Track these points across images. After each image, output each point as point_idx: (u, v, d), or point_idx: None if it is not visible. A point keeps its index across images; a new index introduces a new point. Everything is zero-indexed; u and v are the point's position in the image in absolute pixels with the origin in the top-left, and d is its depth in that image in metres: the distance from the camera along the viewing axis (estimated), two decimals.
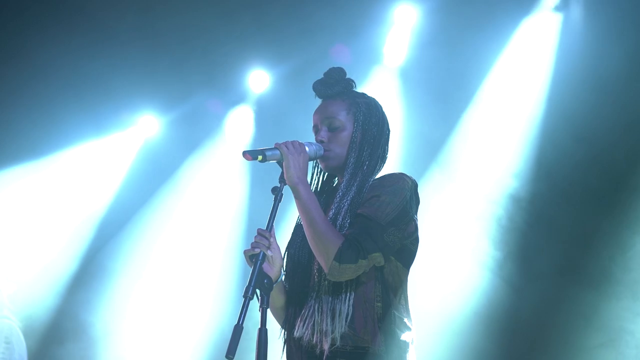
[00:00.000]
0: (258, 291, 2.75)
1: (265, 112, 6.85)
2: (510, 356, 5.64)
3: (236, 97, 6.97)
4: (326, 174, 3.22)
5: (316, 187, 3.20)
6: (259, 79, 6.81)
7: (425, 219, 5.75)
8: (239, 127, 6.96)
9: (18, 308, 5.38)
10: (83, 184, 6.99)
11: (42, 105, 6.52)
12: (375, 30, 6.50)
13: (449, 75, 6.12)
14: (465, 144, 6.11)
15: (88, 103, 6.57)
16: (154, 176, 7.06)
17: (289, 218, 3.03)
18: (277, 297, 3.07)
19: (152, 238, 7.07)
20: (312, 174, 3.21)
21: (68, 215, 6.93)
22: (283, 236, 3.25)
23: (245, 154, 2.89)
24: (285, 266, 3.10)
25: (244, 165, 6.64)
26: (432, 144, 6.19)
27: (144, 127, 7.10)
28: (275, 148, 2.95)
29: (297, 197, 2.91)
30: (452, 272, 5.91)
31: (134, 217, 7.09)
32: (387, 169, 3.16)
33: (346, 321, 2.85)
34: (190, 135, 6.98)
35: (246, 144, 6.71)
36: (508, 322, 5.64)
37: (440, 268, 5.91)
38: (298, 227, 3.12)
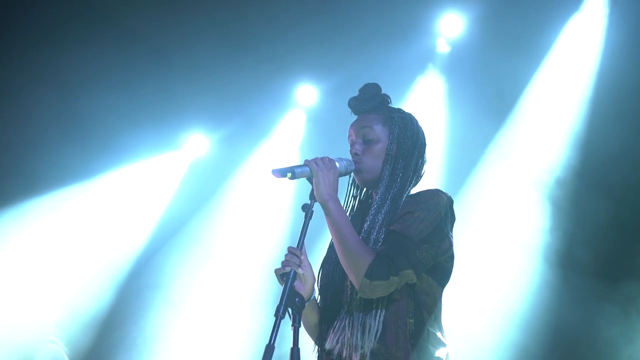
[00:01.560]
0: (290, 310, 2.81)
1: (314, 127, 6.97)
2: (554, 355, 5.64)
3: (284, 113, 7.12)
4: (362, 189, 3.26)
5: (351, 202, 3.24)
6: (307, 94, 6.97)
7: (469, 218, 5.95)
8: (287, 142, 7.12)
9: (64, 332, 5.53)
10: (133, 202, 7.19)
11: (94, 126, 6.71)
12: (421, 41, 6.56)
13: (495, 79, 6.22)
14: (513, 143, 6.18)
15: (138, 123, 6.75)
16: (203, 193, 7.22)
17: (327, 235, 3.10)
18: (311, 314, 3.11)
19: (200, 253, 7.24)
20: (347, 189, 3.27)
21: (116, 234, 7.14)
22: (321, 254, 3.29)
23: (273, 172, 2.95)
24: (319, 283, 3.15)
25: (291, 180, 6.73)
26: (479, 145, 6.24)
27: (193, 146, 7.30)
28: (305, 165, 3.01)
29: (327, 214, 2.95)
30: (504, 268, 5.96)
31: (181, 233, 7.27)
32: (425, 183, 3.20)
33: (376, 337, 2.88)
34: (239, 153, 7.13)
35: (296, 159, 6.85)
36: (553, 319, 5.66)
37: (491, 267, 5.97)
38: (333, 245, 3.16)
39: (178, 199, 7.31)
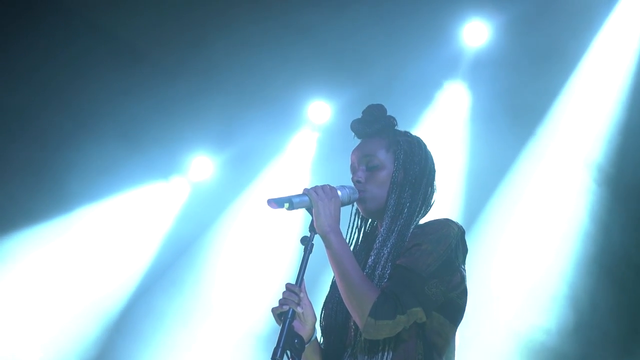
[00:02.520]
0: (288, 352, 2.70)
1: (327, 147, 6.83)
2: None
3: (294, 132, 7.00)
4: (367, 220, 3.12)
5: (355, 236, 3.11)
6: (319, 111, 6.84)
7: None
8: (297, 164, 6.99)
9: None
10: (129, 233, 7.14)
11: (95, 149, 6.66)
12: (443, 51, 6.43)
13: (523, 91, 6.12)
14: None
15: (137, 145, 6.70)
16: (204, 221, 7.13)
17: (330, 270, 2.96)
18: (312, 357, 2.98)
19: (195, 290, 7.16)
20: (350, 220, 3.12)
21: (118, 258, 7.10)
22: (324, 291, 3.15)
23: (269, 202, 2.83)
24: (322, 323, 3.02)
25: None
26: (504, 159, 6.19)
27: (197, 169, 7.19)
28: (304, 194, 2.88)
29: (328, 247, 2.82)
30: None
31: (185, 257, 7.19)
32: (443, 206, 3.07)
33: None
34: (245, 175, 7.04)
35: (308, 180, 6.70)
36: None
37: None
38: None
39: (177, 228, 7.23)
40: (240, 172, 7.04)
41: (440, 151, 6.11)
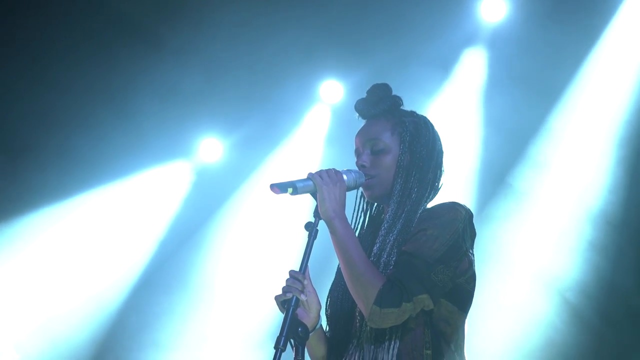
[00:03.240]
0: (292, 341, 2.66)
1: (340, 126, 6.76)
2: None
3: (307, 111, 6.92)
4: (373, 204, 3.07)
5: (361, 220, 3.06)
6: (331, 91, 6.76)
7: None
8: (310, 144, 6.92)
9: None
10: (136, 216, 7.10)
11: (101, 132, 6.64)
12: (459, 28, 6.36)
13: (542, 67, 6.07)
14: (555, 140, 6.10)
15: (144, 127, 6.66)
16: (212, 205, 7.10)
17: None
18: (317, 346, 2.97)
19: (210, 265, 7.13)
20: (356, 204, 3.08)
21: (124, 243, 7.08)
22: (330, 278, 3.12)
23: (272, 187, 2.81)
24: (327, 311, 3.00)
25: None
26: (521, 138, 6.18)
27: (206, 151, 7.14)
28: (308, 178, 2.85)
29: (333, 233, 2.80)
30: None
31: (190, 243, 7.16)
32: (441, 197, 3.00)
33: None
34: (255, 157, 6.99)
35: (317, 163, 6.64)
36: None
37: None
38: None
39: (184, 212, 7.18)
40: (249, 154, 6.98)
41: (455, 129, 6.15)
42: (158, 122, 6.61)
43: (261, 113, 6.77)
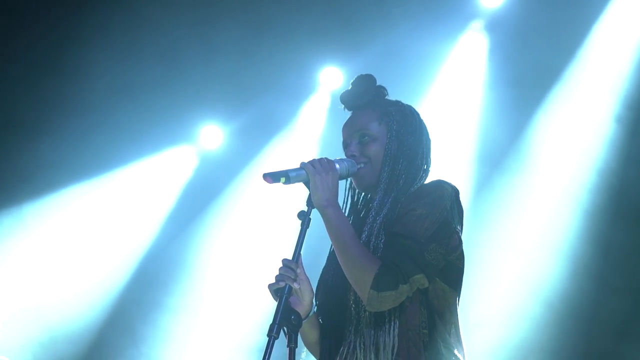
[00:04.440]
0: (285, 329, 2.73)
1: (340, 114, 6.78)
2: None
3: (307, 98, 6.96)
4: (362, 193, 3.13)
5: (351, 209, 3.12)
6: (331, 77, 6.79)
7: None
8: (310, 132, 6.96)
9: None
10: (136, 203, 7.14)
11: (100, 120, 6.68)
12: (457, 12, 6.40)
13: (540, 53, 6.13)
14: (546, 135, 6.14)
15: (144, 114, 6.69)
16: (212, 192, 7.14)
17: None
18: (310, 332, 3.03)
19: (210, 253, 7.17)
20: (345, 195, 3.13)
21: (123, 232, 7.13)
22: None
23: (265, 176, 2.86)
24: (318, 297, 3.04)
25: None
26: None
27: (206, 138, 7.18)
28: (301, 168, 2.90)
29: (327, 222, 2.85)
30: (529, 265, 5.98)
31: (190, 231, 7.21)
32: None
33: (392, 354, 2.77)
34: (255, 144, 7.01)
35: (316, 152, 6.69)
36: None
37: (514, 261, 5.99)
38: (332, 254, 3.04)
39: (183, 200, 7.22)
40: (250, 141, 7.02)
41: (453, 115, 6.20)
42: (159, 110, 6.66)
43: (261, 99, 6.80)
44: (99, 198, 7.06)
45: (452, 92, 6.32)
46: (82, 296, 6.94)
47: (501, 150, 6.26)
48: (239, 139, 7.09)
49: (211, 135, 7.15)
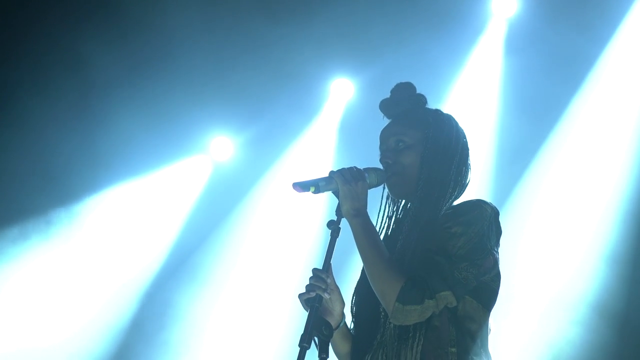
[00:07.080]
0: (316, 339, 2.76)
1: (352, 124, 6.84)
2: None
3: (317, 110, 7.00)
4: (398, 202, 3.13)
5: (386, 220, 3.12)
6: (342, 88, 6.84)
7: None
8: (320, 143, 7.00)
9: None
10: (148, 215, 7.16)
11: (112, 133, 6.72)
12: (471, 22, 6.46)
13: (558, 62, 6.17)
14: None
15: (154, 125, 6.72)
16: (225, 204, 7.16)
17: None
18: (342, 343, 3.05)
19: (217, 275, 7.16)
20: (382, 204, 3.14)
21: (138, 243, 7.15)
22: (354, 275, 3.20)
23: (295, 186, 2.89)
24: (352, 309, 3.07)
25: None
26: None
27: (216, 149, 7.20)
28: (330, 177, 2.93)
29: (355, 231, 2.88)
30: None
31: (206, 242, 7.21)
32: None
33: None
34: (267, 156, 7.04)
35: (330, 163, 6.72)
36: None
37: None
38: None
39: (197, 213, 7.24)
40: (261, 153, 7.04)
41: (471, 126, 6.22)
42: (169, 121, 6.69)
43: (272, 111, 6.83)
44: (114, 210, 7.08)
45: (466, 103, 6.36)
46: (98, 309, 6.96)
47: (522, 162, 6.30)
48: (250, 150, 7.12)
49: (222, 146, 7.18)
